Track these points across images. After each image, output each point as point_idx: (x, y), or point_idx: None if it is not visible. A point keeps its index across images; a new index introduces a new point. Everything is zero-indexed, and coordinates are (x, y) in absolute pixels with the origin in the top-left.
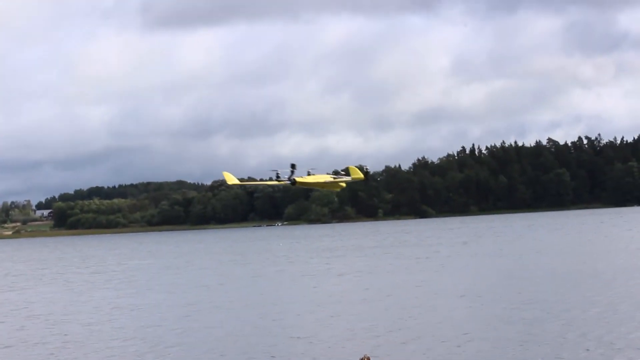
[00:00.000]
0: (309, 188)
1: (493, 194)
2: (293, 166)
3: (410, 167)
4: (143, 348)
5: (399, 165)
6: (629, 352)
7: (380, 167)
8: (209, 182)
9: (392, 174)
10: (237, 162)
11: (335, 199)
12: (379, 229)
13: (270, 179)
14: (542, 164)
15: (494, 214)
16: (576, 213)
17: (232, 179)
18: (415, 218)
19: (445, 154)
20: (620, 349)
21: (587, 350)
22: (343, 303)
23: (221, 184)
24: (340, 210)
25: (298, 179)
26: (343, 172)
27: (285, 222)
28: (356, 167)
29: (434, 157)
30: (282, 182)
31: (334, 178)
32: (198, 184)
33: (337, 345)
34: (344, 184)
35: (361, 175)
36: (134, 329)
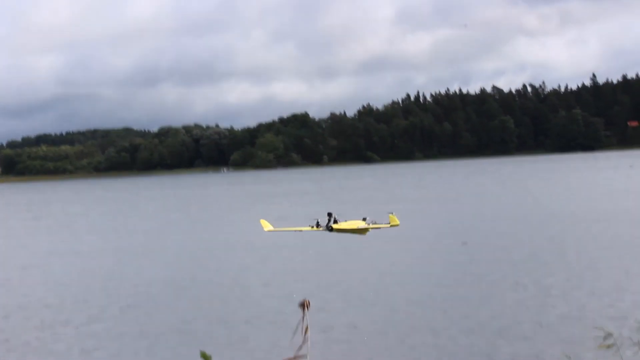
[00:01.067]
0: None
1: (437, 141)
2: (330, 214)
3: (355, 114)
4: (74, 292)
5: (344, 112)
6: (556, 292)
7: (325, 114)
8: (155, 129)
9: (337, 121)
10: (183, 109)
11: (281, 146)
12: (324, 175)
13: (311, 227)
14: (486, 111)
15: (438, 160)
16: (520, 160)
17: (267, 226)
18: (360, 164)
19: (390, 101)
20: (552, 287)
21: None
22: (275, 248)
23: (167, 131)
24: (285, 157)
25: (335, 226)
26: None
27: (231, 168)
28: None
29: (379, 105)
30: (320, 229)
31: (368, 224)
32: (145, 130)
33: (266, 289)
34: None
35: (398, 223)
36: (66, 274)
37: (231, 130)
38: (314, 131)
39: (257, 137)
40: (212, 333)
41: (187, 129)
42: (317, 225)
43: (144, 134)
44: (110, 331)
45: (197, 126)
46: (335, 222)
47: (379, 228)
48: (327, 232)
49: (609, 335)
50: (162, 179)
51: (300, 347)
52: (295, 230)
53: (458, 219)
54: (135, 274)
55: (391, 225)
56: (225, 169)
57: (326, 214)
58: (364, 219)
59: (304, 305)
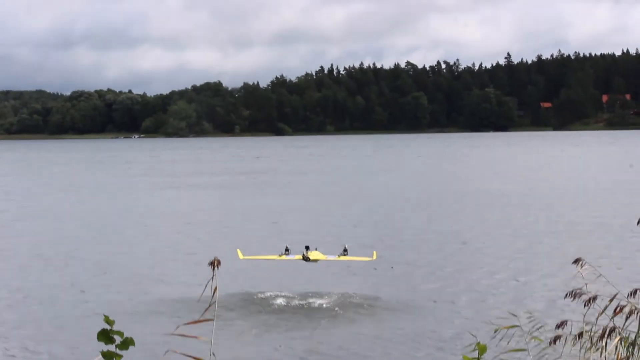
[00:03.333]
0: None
1: (350, 115)
2: (307, 247)
3: (268, 85)
4: None
5: (258, 83)
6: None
7: (238, 84)
8: (68, 92)
9: (250, 91)
10: (97, 74)
11: (194, 114)
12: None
13: (281, 254)
14: (400, 86)
15: (350, 134)
16: (432, 136)
17: (240, 255)
18: (272, 135)
19: (304, 74)
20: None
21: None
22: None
23: (80, 94)
24: (197, 125)
25: (312, 256)
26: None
27: (142, 135)
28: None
29: (292, 76)
30: (296, 258)
31: (344, 256)
32: (58, 93)
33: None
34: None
35: (373, 258)
36: None
37: (144, 97)
38: (226, 100)
39: (170, 104)
40: (113, 299)
41: (100, 94)
42: (287, 250)
43: (57, 97)
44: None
45: (110, 91)
46: (307, 250)
47: (357, 260)
48: (304, 262)
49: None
50: (72, 143)
51: (207, 309)
52: (268, 259)
53: (354, 194)
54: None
55: (369, 260)
56: (136, 135)
57: (304, 247)
58: (344, 250)
59: (213, 264)
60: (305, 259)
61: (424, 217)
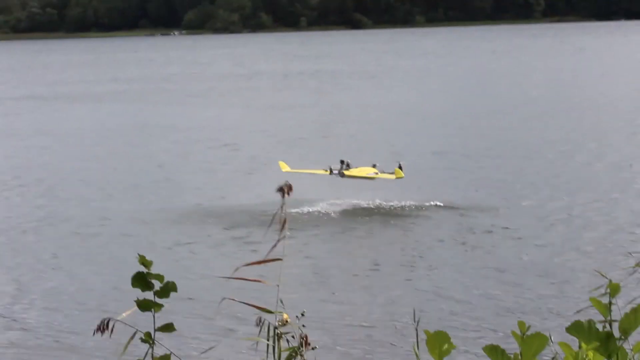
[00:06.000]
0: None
1: (444, 1)
2: (342, 161)
3: None
4: None
5: None
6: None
7: None
8: None
9: None
10: None
11: (248, 3)
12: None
13: (324, 170)
14: None
15: (444, 26)
16: (547, 27)
17: (285, 167)
18: (347, 29)
19: None
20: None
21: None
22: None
23: None
24: (253, 18)
25: (346, 172)
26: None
27: (184, 32)
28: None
29: None
30: (332, 174)
31: (376, 173)
32: None
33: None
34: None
35: (403, 175)
36: None
37: None
38: None
39: None
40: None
41: None
42: (331, 170)
43: None
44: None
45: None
46: (348, 167)
47: (385, 178)
48: (339, 177)
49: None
50: (95, 42)
51: (275, 246)
52: (310, 173)
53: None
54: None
55: (396, 177)
56: (176, 32)
57: (339, 161)
58: (374, 166)
59: (283, 191)
60: (341, 174)
61: (535, 134)
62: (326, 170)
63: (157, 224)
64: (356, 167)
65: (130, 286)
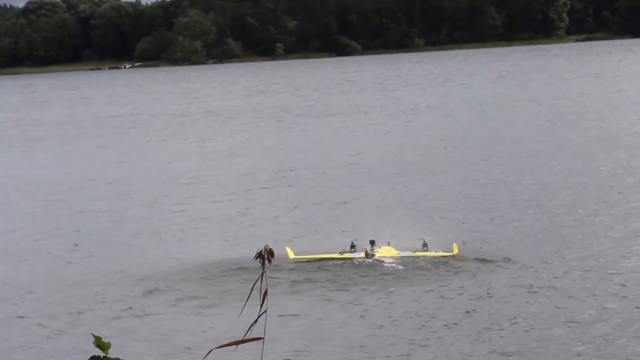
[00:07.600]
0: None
1: (448, 21)
2: (372, 242)
3: None
4: None
5: None
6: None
7: None
8: (22, 4)
9: None
10: None
11: (213, 28)
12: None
13: (343, 251)
14: None
15: (448, 49)
16: (572, 47)
17: (291, 254)
18: (331, 56)
19: None
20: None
21: None
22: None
23: (40, 6)
24: (220, 45)
25: (377, 253)
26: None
27: (137, 63)
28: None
29: None
30: (360, 257)
31: (422, 251)
32: (6, 6)
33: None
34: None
35: (454, 252)
36: None
37: (136, 5)
38: (262, 6)
39: (177, 15)
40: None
41: (70, 4)
42: (352, 247)
43: (4, 12)
44: None
45: None
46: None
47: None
48: (368, 260)
49: None
50: (28, 79)
51: (256, 322)
52: (322, 258)
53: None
54: None
55: (453, 255)
56: (127, 65)
57: (368, 241)
58: (424, 243)
59: (262, 258)
60: (369, 256)
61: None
62: (341, 253)
63: (108, 295)
64: (379, 247)
65: None
